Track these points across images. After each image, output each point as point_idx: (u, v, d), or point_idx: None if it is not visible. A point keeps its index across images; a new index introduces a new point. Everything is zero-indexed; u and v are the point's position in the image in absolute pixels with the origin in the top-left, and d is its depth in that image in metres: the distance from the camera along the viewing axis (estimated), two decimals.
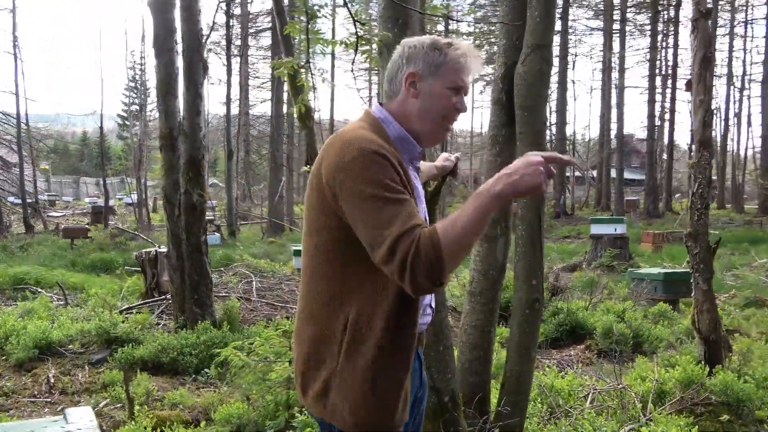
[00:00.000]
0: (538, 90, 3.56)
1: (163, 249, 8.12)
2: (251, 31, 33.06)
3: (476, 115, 64.96)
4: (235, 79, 30.58)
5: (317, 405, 1.90)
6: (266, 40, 34.18)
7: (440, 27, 30.06)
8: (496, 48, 4.00)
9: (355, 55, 3.80)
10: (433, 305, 2.15)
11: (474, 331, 3.80)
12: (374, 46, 3.71)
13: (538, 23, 3.52)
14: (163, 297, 8.20)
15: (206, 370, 5.88)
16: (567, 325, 7.40)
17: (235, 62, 29.79)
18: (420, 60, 1.94)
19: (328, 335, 1.88)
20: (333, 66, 36.90)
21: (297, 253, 11.99)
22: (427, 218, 2.05)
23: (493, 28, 33.52)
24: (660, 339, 6.92)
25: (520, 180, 1.66)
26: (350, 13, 3.57)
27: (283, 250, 16.17)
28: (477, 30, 34.87)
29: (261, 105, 40.33)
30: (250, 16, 31.69)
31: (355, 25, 3.57)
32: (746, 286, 10.68)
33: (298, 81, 4.35)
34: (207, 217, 7.90)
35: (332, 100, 39.03)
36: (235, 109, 31.13)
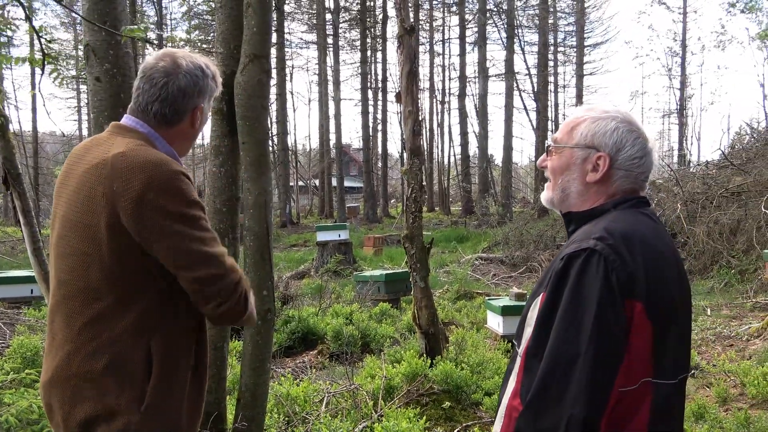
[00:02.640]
0: (259, 100, 3.54)
1: None
2: None
3: None
4: None
5: None
6: None
7: (151, 35, 28.92)
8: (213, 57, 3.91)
9: (42, 74, 3.48)
10: None
11: None
12: (65, 64, 3.41)
13: (254, 33, 3.50)
14: None
15: None
16: (299, 332, 7.51)
17: None
18: (206, 92, 1.94)
19: (124, 371, 1.74)
20: (33, 73, 33.69)
21: (2, 280, 10.69)
22: None
23: (209, 38, 33.11)
24: (385, 337, 7.32)
25: None
26: (34, 30, 3.23)
27: None
28: (195, 38, 34.19)
29: None
30: None
31: (40, 42, 3.26)
32: (456, 281, 11.74)
33: None
34: None
35: (34, 110, 35.62)
36: None
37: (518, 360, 1.66)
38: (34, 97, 33.84)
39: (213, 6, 31.42)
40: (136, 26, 2.82)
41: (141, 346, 1.74)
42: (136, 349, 1.74)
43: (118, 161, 1.73)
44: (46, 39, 3.02)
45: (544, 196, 1.82)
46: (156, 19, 31.31)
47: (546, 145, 1.83)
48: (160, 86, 1.86)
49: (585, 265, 1.51)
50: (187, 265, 1.74)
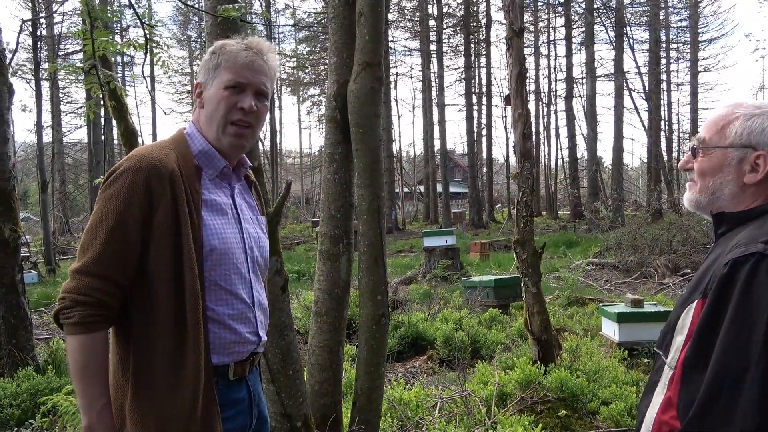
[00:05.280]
0: (372, 107, 3.60)
1: None
2: (61, 53, 31.08)
3: (305, 136, 65.51)
4: (46, 105, 28.59)
5: None
6: (78, 63, 32.26)
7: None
8: (325, 68, 4.00)
9: (145, 57, 3.60)
10: (262, 332, 1.97)
11: (322, 352, 3.74)
12: (164, 52, 3.54)
13: (367, 41, 3.56)
14: None
15: (31, 421, 5.36)
16: (409, 338, 7.54)
17: (44, 86, 27.84)
18: (203, 68, 1.91)
19: (115, 370, 1.80)
20: (154, 88, 35.59)
21: None
22: (245, 237, 1.94)
23: (316, 48, 33.89)
24: (496, 343, 7.23)
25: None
26: (137, 15, 3.38)
27: None
28: (302, 50, 35.14)
29: (76, 132, 38.12)
30: (60, 38, 29.79)
31: (143, 26, 3.39)
32: (567, 287, 11.45)
33: (93, 91, 3.93)
34: (21, 254, 7.24)
35: (154, 124, 37.62)
36: (46, 137, 29.03)
37: (666, 371, 1.58)
38: (153, 110, 35.75)
39: (320, 19, 32.21)
40: (231, 6, 2.90)
41: (117, 342, 1.80)
42: (116, 346, 1.80)
43: None
44: (148, 25, 3.16)
45: (689, 198, 1.73)
46: (264, 33, 32.33)
47: (691, 145, 1.74)
48: None
49: (754, 270, 1.41)
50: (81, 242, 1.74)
